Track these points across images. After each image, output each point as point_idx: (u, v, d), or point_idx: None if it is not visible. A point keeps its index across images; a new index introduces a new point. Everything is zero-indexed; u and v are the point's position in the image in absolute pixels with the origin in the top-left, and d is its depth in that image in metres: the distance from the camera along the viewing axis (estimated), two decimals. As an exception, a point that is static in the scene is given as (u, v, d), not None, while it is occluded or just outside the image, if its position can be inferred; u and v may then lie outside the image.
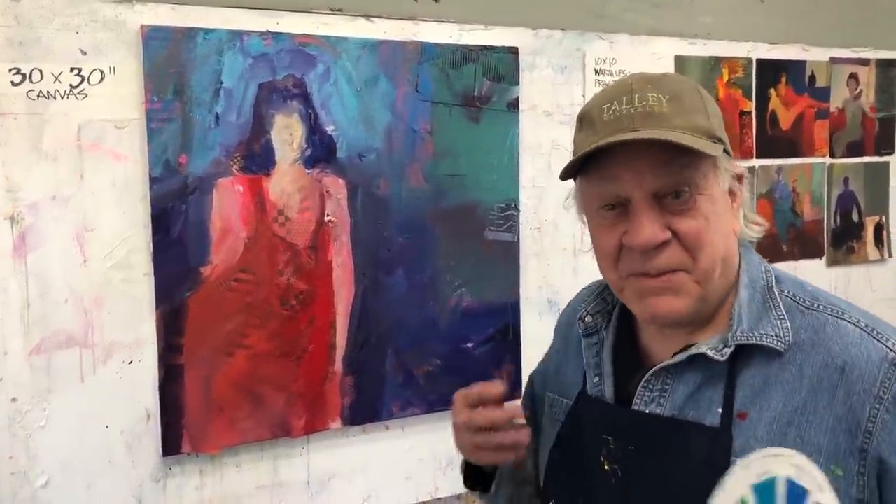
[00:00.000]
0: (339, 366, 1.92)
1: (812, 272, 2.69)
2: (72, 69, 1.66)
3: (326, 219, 1.90)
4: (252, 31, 1.81)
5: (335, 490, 1.97)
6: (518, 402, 1.02)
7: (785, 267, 2.62)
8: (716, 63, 2.49)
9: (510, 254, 2.15)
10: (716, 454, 0.86)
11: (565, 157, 1.00)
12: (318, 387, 1.90)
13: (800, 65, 2.67)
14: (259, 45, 1.82)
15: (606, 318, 1.04)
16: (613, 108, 0.89)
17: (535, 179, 2.19)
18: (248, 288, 1.82)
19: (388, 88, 1.97)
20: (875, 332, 0.87)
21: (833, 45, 2.73)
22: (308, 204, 1.88)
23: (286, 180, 1.85)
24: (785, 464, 0.81)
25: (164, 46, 1.72)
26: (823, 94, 2.72)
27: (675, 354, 0.92)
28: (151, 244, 1.73)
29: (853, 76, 2.78)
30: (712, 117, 0.91)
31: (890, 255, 2.89)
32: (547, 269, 2.23)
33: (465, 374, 2.08)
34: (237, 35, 1.79)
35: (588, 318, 1.04)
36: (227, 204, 1.79)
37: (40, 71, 1.64)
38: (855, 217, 2.81)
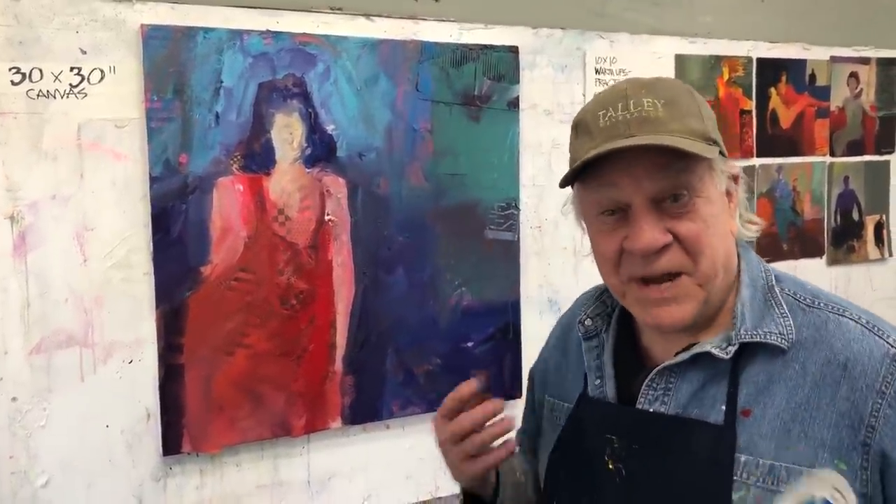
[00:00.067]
0: (339, 365, 1.92)
1: (812, 271, 2.69)
2: (72, 68, 1.66)
3: (326, 218, 1.90)
4: (252, 31, 1.81)
5: (335, 489, 1.97)
6: (495, 400, 1.00)
7: (785, 266, 2.63)
8: (716, 62, 2.49)
9: (510, 253, 2.15)
10: (720, 451, 0.87)
11: (565, 156, 1.00)
12: (319, 386, 1.90)
13: (800, 64, 2.67)
14: (259, 44, 1.81)
15: (606, 321, 1.04)
16: (609, 114, 0.90)
17: (536, 178, 2.19)
18: (249, 287, 1.82)
19: (389, 87, 1.96)
20: (876, 329, 0.88)
21: (833, 43, 2.73)
22: (308, 203, 1.88)
23: (286, 179, 1.85)
24: (825, 485, 0.82)
25: (164, 45, 1.72)
26: (824, 93, 2.72)
27: (678, 353, 0.93)
28: (151, 243, 1.73)
29: (853, 75, 2.78)
30: (706, 119, 0.92)
31: (890, 254, 2.89)
32: (547, 268, 2.23)
33: (466, 372, 2.07)
34: (237, 34, 1.79)
35: (588, 322, 1.04)
36: (227, 203, 1.79)
37: (40, 70, 1.64)
38: (855, 216, 2.81)
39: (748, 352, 0.90)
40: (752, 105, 2.57)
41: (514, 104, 2.14)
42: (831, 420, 0.85)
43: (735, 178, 0.95)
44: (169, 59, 1.73)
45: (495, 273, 2.12)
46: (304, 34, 1.87)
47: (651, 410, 0.93)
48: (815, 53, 2.69)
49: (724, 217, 0.92)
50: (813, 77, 2.69)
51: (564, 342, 1.13)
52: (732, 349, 0.89)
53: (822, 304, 0.92)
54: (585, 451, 0.98)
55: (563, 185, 0.94)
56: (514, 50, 2.13)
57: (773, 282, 0.95)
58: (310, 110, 1.87)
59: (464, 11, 2.08)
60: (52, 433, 1.68)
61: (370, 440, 2.00)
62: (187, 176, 1.75)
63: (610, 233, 0.92)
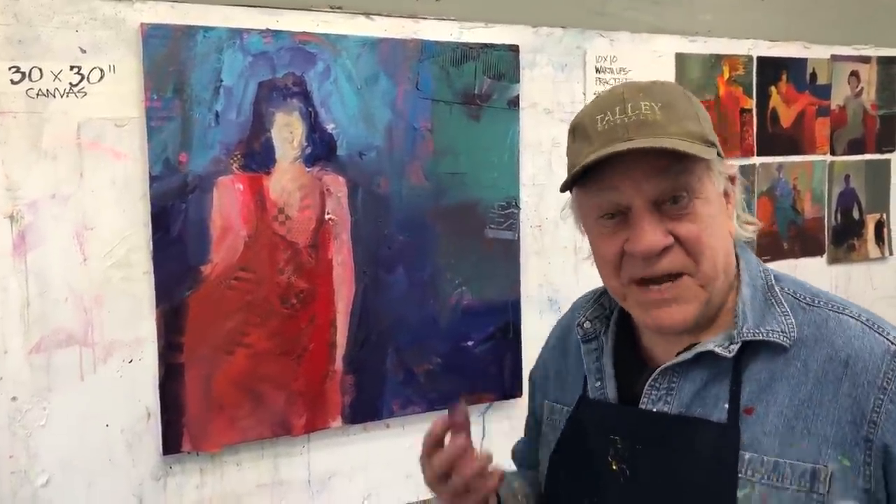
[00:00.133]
0: (339, 364, 1.92)
1: (813, 270, 2.69)
2: (71, 67, 1.66)
3: (327, 217, 1.90)
4: (252, 29, 1.81)
5: (336, 488, 1.97)
6: (462, 437, 0.99)
7: (786, 265, 2.63)
8: (716, 61, 2.49)
9: (511, 252, 2.14)
10: (724, 449, 0.88)
11: (565, 157, 1.01)
12: (319, 385, 1.90)
13: (801, 62, 2.67)
14: (259, 43, 1.81)
15: (605, 323, 1.05)
16: (607, 118, 0.91)
17: (536, 177, 2.19)
18: (249, 286, 1.81)
19: (389, 86, 1.96)
20: (876, 326, 0.90)
21: (834, 42, 2.73)
22: (308, 202, 1.88)
23: (286, 178, 1.85)
24: None
25: (164, 44, 1.72)
26: (824, 92, 2.72)
27: (680, 353, 0.93)
28: (151, 243, 1.73)
29: (854, 74, 2.78)
30: (703, 121, 0.93)
31: (891, 253, 2.89)
32: (547, 267, 2.22)
33: (466, 372, 2.08)
34: (237, 33, 1.79)
35: (587, 324, 1.05)
36: (227, 202, 1.79)
37: (40, 69, 1.63)
38: (856, 215, 2.81)
39: (750, 350, 0.91)
40: (752, 104, 2.57)
41: (515, 103, 2.14)
42: (834, 416, 0.86)
43: (732, 179, 0.96)
44: (169, 57, 1.72)
45: (495, 272, 2.12)
46: (304, 33, 1.86)
47: (654, 410, 0.93)
48: (815, 52, 2.69)
49: (723, 218, 0.93)
50: (813, 76, 2.69)
51: (563, 345, 1.14)
52: (735, 347, 0.90)
53: (821, 303, 0.93)
54: (587, 452, 0.98)
55: (563, 189, 0.95)
56: (514, 49, 2.13)
57: (773, 281, 0.96)
58: (310, 109, 1.87)
59: (464, 10, 2.08)
60: (52, 432, 1.68)
61: (370, 439, 2.00)
62: (187, 175, 1.75)
63: (610, 236, 0.93)
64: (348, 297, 1.93)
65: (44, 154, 1.65)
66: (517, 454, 1.28)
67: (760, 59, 2.57)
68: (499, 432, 2.13)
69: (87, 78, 1.67)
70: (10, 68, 1.61)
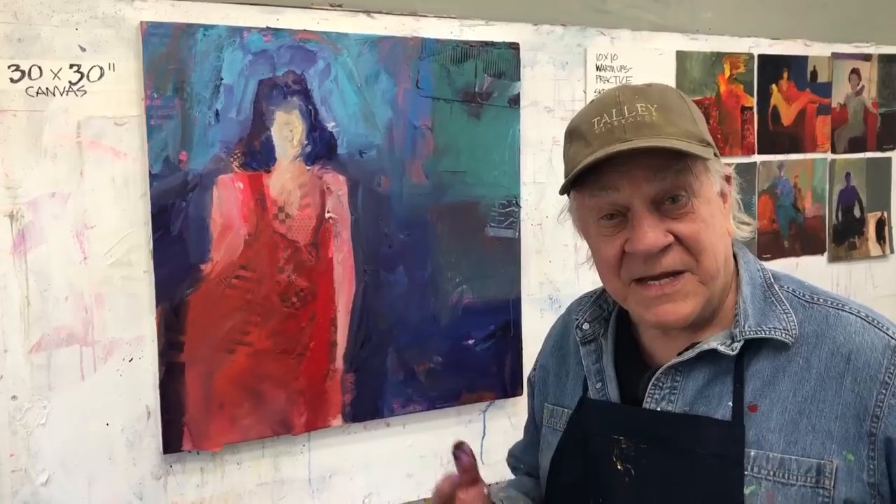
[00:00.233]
0: (340, 363, 1.92)
1: (813, 268, 2.69)
2: (71, 66, 1.66)
3: (327, 216, 1.90)
4: (252, 28, 1.80)
5: (336, 487, 1.97)
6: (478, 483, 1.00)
7: (786, 263, 2.63)
8: (717, 59, 2.49)
9: (511, 250, 2.14)
10: (730, 447, 0.88)
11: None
12: (319, 384, 1.90)
13: (801, 60, 2.66)
14: (259, 41, 1.81)
15: (604, 324, 1.05)
16: (604, 120, 0.91)
17: (537, 176, 2.19)
18: (249, 285, 1.81)
19: (389, 85, 1.96)
20: (875, 322, 0.91)
21: (835, 40, 2.73)
22: (308, 201, 1.87)
23: (286, 177, 1.85)
24: None
25: (164, 43, 1.72)
26: (825, 90, 2.71)
27: (683, 352, 0.93)
28: (151, 241, 1.73)
29: (855, 71, 2.77)
30: (699, 122, 0.94)
31: (892, 251, 2.88)
32: (548, 265, 2.22)
33: (466, 370, 2.08)
34: (237, 31, 1.79)
35: (586, 326, 1.05)
36: (227, 201, 1.79)
37: (39, 68, 1.63)
38: (857, 213, 2.80)
39: (752, 348, 0.92)
40: (753, 102, 2.56)
41: (515, 101, 2.13)
42: (837, 411, 0.87)
43: (728, 179, 0.98)
44: (169, 56, 1.72)
45: (496, 271, 2.12)
46: (305, 31, 1.86)
47: (658, 410, 0.94)
48: (816, 50, 2.69)
49: (720, 217, 0.94)
50: (814, 74, 2.69)
51: (561, 348, 1.14)
52: (738, 345, 0.91)
53: (821, 300, 0.94)
54: (590, 453, 0.98)
55: (562, 191, 0.96)
56: (514, 47, 2.13)
57: (772, 280, 0.97)
58: (310, 107, 1.87)
59: (464, 8, 2.08)
60: (53, 431, 1.67)
61: (371, 438, 2.00)
62: (187, 173, 1.75)
63: (610, 237, 0.93)
64: (349, 296, 1.93)
65: (44, 153, 1.64)
66: (514, 458, 1.28)
67: (761, 56, 2.57)
68: (499, 430, 2.14)
69: (87, 76, 1.67)
70: (9, 67, 1.61)
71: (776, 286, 0.96)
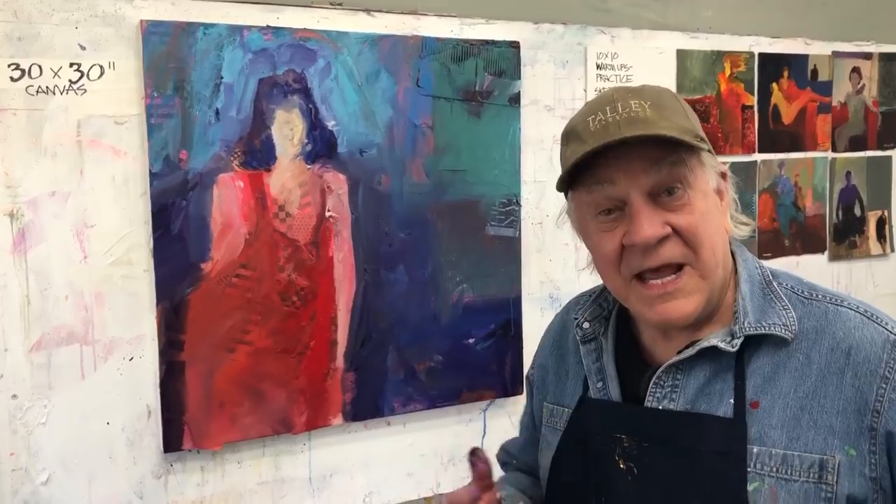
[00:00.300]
0: (340, 362, 1.92)
1: (814, 267, 2.69)
2: (71, 64, 1.65)
3: (327, 214, 1.90)
4: (252, 26, 1.80)
5: (336, 486, 1.97)
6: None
7: (787, 261, 2.63)
8: (718, 57, 2.48)
9: (511, 249, 2.14)
10: (732, 444, 0.89)
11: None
12: (320, 383, 1.90)
13: (802, 59, 2.66)
14: (259, 39, 1.81)
15: (604, 323, 1.05)
16: (598, 118, 0.92)
17: (537, 174, 2.19)
18: (249, 284, 1.81)
19: (389, 83, 1.96)
20: (874, 317, 0.92)
21: (835, 38, 2.72)
22: (309, 199, 1.87)
23: (287, 176, 1.85)
24: None
25: (164, 41, 1.71)
26: (826, 89, 2.71)
27: (683, 350, 0.94)
28: (152, 240, 1.73)
29: (856, 70, 2.77)
30: (692, 119, 0.95)
31: (892, 250, 2.88)
32: (548, 264, 2.22)
33: (467, 369, 2.08)
34: (237, 30, 1.78)
35: (585, 325, 1.05)
36: (227, 200, 1.79)
37: (39, 66, 1.63)
38: (857, 212, 2.80)
39: (752, 345, 0.92)
40: (753, 100, 2.56)
41: (516, 100, 2.13)
42: (839, 407, 0.87)
43: (723, 176, 0.98)
44: (169, 55, 1.72)
45: (496, 269, 2.12)
46: (305, 30, 1.86)
47: (660, 408, 0.94)
48: (816, 48, 2.69)
49: (717, 214, 0.95)
50: (815, 72, 2.69)
51: (560, 347, 1.14)
52: (738, 342, 0.91)
53: (820, 296, 0.95)
54: (592, 452, 0.98)
55: (559, 187, 0.97)
56: (515, 45, 2.12)
57: (770, 277, 0.98)
58: (310, 106, 1.86)
59: (465, 6, 2.07)
60: (53, 430, 1.67)
61: (371, 437, 2.00)
62: (187, 172, 1.75)
63: (609, 232, 0.94)
64: (349, 295, 1.93)
65: (44, 151, 1.64)
66: (507, 453, 1.28)
67: (762, 55, 2.57)
68: (499, 429, 2.13)
69: (87, 75, 1.67)
70: (9, 65, 1.60)
71: (775, 283, 0.97)
